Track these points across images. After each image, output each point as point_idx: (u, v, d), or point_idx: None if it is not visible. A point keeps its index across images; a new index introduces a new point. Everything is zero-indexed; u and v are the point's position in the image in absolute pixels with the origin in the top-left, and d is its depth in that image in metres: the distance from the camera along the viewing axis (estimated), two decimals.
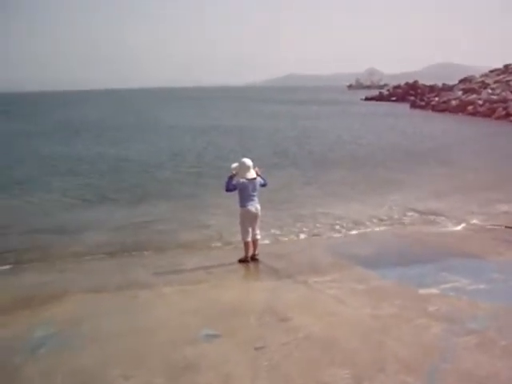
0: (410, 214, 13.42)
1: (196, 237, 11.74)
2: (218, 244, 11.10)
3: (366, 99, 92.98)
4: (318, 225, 12.35)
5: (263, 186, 9.49)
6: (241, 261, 9.42)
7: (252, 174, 9.26)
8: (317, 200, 15.20)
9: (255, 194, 9.26)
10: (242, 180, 9.14)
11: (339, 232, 11.76)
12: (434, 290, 7.51)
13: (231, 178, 9.20)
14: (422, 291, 7.51)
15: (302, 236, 11.51)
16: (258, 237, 9.54)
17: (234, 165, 9.34)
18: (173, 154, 26.98)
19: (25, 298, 8.09)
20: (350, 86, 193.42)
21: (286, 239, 11.33)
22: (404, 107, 67.38)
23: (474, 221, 12.40)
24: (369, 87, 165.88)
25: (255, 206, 9.22)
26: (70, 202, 16.27)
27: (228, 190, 9.22)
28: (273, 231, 11.80)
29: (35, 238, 12.05)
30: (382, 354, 5.62)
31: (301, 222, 12.61)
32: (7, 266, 9.97)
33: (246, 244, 9.37)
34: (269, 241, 11.05)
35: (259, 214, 9.33)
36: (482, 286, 7.74)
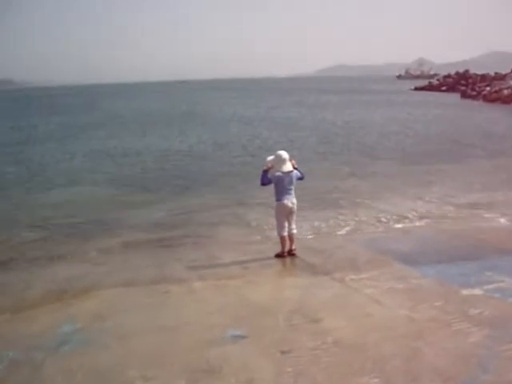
0: (452, 207, 12.79)
1: (235, 231, 11.52)
2: (257, 237, 10.83)
3: (416, 89, 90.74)
4: (358, 218, 11.90)
5: (300, 179, 9.16)
6: (277, 256, 9.14)
7: (288, 166, 8.92)
8: (359, 192, 14.75)
9: (291, 187, 8.93)
10: (277, 173, 8.83)
11: (380, 226, 11.27)
12: (477, 291, 7.00)
13: (266, 171, 8.90)
14: (464, 292, 7.02)
15: (342, 230, 11.06)
16: (294, 231, 9.21)
17: (270, 157, 9.05)
18: (218, 144, 26.95)
19: (56, 291, 8.08)
20: (399, 76, 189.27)
21: (326, 233, 10.93)
22: (454, 97, 65.23)
23: None
24: (418, 77, 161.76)
25: (291, 200, 8.92)
26: (113, 194, 16.38)
27: (263, 183, 8.93)
28: (313, 224, 11.44)
29: (73, 230, 12.14)
30: (417, 362, 5.22)
31: (342, 215, 12.19)
32: (42, 258, 9.98)
33: (282, 239, 9.08)
34: (308, 234, 10.71)
35: (295, 208, 9.04)
36: None
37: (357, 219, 11.85)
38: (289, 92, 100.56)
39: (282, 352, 5.53)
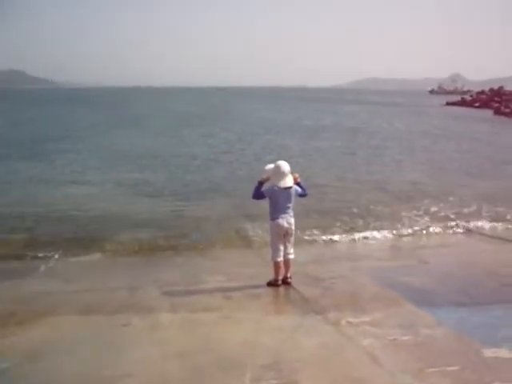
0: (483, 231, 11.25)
1: (231, 249, 10.23)
2: (254, 259, 9.54)
3: (447, 104, 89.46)
4: (371, 239, 10.49)
5: (302, 196, 7.84)
6: (269, 284, 7.80)
7: (288, 181, 7.55)
8: (375, 208, 13.18)
9: (289, 205, 7.58)
10: (272, 187, 7.50)
11: (394, 253, 9.83)
12: (504, 353, 5.49)
13: (261, 183, 7.59)
14: (487, 352, 5.51)
15: (349, 255, 9.67)
16: (291, 256, 7.84)
17: (268, 166, 7.73)
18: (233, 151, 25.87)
19: (3, 313, 6.87)
20: (431, 91, 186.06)
21: (331, 258, 9.61)
22: (487, 114, 63.04)
23: None
24: (451, 93, 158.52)
25: (288, 220, 7.57)
26: (115, 197, 15.34)
27: (255, 197, 7.62)
28: (317, 246, 10.08)
29: (57, 235, 11.09)
30: None
31: (353, 234, 10.74)
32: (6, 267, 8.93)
33: (276, 264, 7.74)
34: (310, 259, 9.35)
35: (293, 229, 7.70)
36: None
37: (369, 241, 10.41)
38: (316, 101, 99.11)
39: None
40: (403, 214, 12.97)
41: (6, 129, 39.32)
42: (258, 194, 7.54)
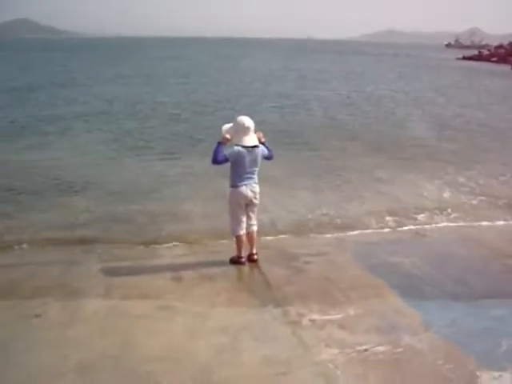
0: (489, 202, 9.67)
1: (202, 217, 8.80)
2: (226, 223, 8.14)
3: (464, 58, 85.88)
4: (362, 209, 9.02)
5: (267, 158, 6.50)
6: (232, 261, 6.57)
7: (252, 139, 6.21)
8: (373, 176, 11.56)
9: (255, 169, 6.30)
10: (236, 148, 6.12)
11: (388, 223, 8.35)
12: (507, 379, 4.12)
13: (221, 144, 6.17)
14: (485, 377, 4.14)
15: (334, 226, 8.23)
16: (255, 228, 6.59)
17: (227, 126, 6.31)
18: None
19: None
20: (448, 45, 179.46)
21: (313, 227, 8.15)
22: (505, 68, 60.02)
23: None
24: (468, 47, 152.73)
25: (252, 188, 6.30)
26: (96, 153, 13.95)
27: (215, 161, 6.12)
28: (297, 213, 8.69)
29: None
30: None
31: (344, 208, 9.24)
32: None
33: (238, 239, 6.49)
34: (287, 229, 7.96)
35: (257, 198, 6.42)
36: None
37: (359, 210, 8.97)
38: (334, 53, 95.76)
39: None
40: (410, 176, 11.41)
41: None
42: (219, 158, 6.07)
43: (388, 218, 8.50)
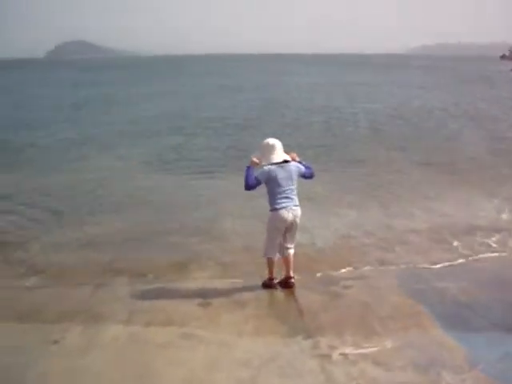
0: None
1: (238, 236, 8.41)
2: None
3: None
4: (408, 231, 8.43)
5: (307, 177, 6.11)
6: (264, 285, 6.22)
7: (280, 155, 5.91)
8: (422, 192, 10.79)
9: (292, 188, 5.87)
10: (266, 167, 5.82)
11: (435, 248, 7.70)
12: None
13: (250, 168, 5.90)
14: None
15: (380, 251, 7.67)
16: (292, 251, 6.17)
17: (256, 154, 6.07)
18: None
19: None
20: (502, 57, 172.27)
21: (356, 253, 7.63)
22: None
23: None
24: None
25: (293, 211, 5.85)
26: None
27: (248, 186, 5.83)
28: (338, 233, 8.22)
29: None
30: None
31: (389, 227, 8.67)
32: None
33: (269, 260, 6.13)
34: (330, 252, 7.53)
35: (298, 221, 5.96)
36: None
37: (405, 230, 8.42)
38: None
39: None
40: (462, 192, 10.71)
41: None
42: (251, 182, 5.79)
43: (437, 239, 7.89)
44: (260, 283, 6.23)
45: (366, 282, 6.33)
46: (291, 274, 6.16)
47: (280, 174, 5.77)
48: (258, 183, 5.79)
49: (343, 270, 6.68)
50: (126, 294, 6.13)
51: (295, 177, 5.90)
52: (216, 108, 27.85)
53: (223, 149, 16.29)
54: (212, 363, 4.52)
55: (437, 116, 24.01)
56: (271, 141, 5.90)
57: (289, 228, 5.94)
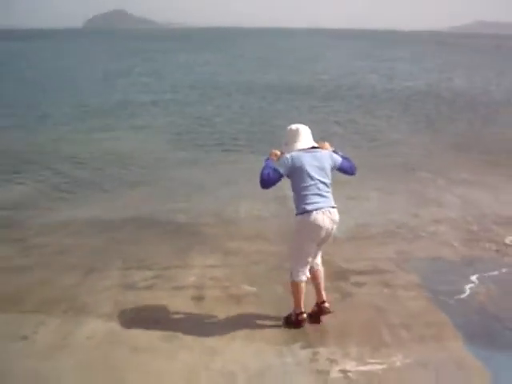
0: None
1: (240, 228, 7.51)
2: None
3: None
4: (435, 221, 7.61)
5: (345, 171, 4.69)
6: (290, 322, 4.65)
7: (308, 141, 4.55)
8: (453, 178, 9.78)
9: (325, 182, 4.42)
10: (289, 154, 4.46)
11: (464, 241, 6.84)
12: None
13: (272, 158, 4.57)
14: None
15: (403, 242, 6.88)
16: (321, 267, 4.76)
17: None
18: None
19: None
20: None
21: (374, 243, 6.88)
22: None
23: None
24: None
25: (330, 214, 4.37)
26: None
27: (264, 180, 4.38)
28: (359, 222, 7.47)
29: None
30: None
31: (415, 214, 7.87)
32: None
33: (298, 286, 4.54)
34: (346, 241, 6.76)
35: (335, 227, 4.47)
36: None
37: (432, 219, 7.62)
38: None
39: None
40: (498, 180, 9.74)
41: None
42: (269, 174, 4.36)
43: (466, 231, 7.07)
44: (266, 275, 5.53)
45: (381, 278, 5.62)
46: (324, 297, 4.68)
47: (308, 161, 4.36)
48: (278, 176, 4.38)
49: (357, 264, 5.96)
50: (116, 282, 5.63)
51: (329, 167, 4.46)
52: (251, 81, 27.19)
53: (252, 125, 15.62)
54: (189, 376, 3.92)
55: (476, 96, 22.63)
56: (296, 125, 4.61)
57: (324, 238, 4.45)
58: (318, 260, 4.70)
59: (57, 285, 5.59)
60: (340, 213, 4.45)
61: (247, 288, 5.42)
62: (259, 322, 4.76)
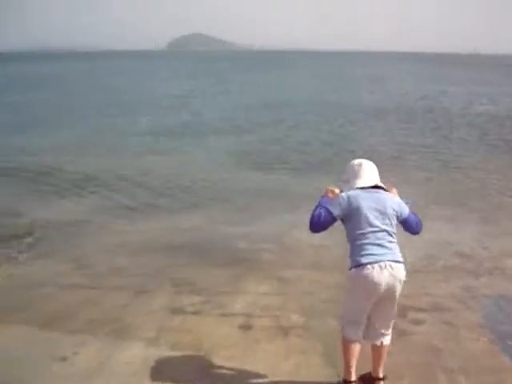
0: None
1: (300, 256, 7.29)
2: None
3: None
4: (507, 253, 7.07)
5: (409, 225, 3.92)
6: None
7: (371, 179, 3.87)
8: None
9: (388, 229, 3.69)
10: (345, 193, 3.80)
11: None
12: None
13: (327, 196, 3.88)
14: None
15: (469, 277, 6.39)
16: (388, 338, 3.91)
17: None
18: None
19: None
20: None
21: (438, 277, 6.43)
22: None
23: None
24: None
25: (391, 269, 3.60)
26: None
27: (314, 222, 3.74)
28: (422, 255, 7.03)
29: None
30: None
31: (485, 246, 7.34)
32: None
33: (348, 346, 3.83)
34: (407, 274, 6.30)
35: (399, 287, 3.68)
36: None
37: (504, 251, 7.08)
38: None
39: None
40: None
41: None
42: (320, 216, 3.71)
43: None
44: (319, 307, 5.24)
45: (441, 316, 5.21)
46: (380, 374, 3.94)
47: (367, 203, 3.68)
48: (331, 219, 3.72)
49: (417, 300, 5.55)
50: (163, 306, 5.51)
51: (392, 214, 3.72)
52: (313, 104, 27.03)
53: (322, 145, 15.42)
54: None
55: None
56: (358, 161, 3.98)
57: (384, 298, 3.67)
58: (385, 331, 3.85)
59: (104, 305, 5.54)
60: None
61: (298, 319, 5.15)
62: (303, 356, 4.49)
